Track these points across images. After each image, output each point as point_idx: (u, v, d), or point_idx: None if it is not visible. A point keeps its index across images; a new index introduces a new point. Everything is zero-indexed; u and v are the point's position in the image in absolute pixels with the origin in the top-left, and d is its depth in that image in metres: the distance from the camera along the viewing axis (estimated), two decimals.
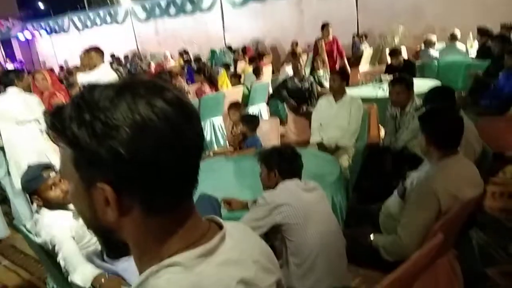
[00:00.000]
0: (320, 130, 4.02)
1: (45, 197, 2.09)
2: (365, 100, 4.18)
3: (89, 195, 0.60)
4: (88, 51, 4.22)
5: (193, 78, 7.65)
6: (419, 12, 8.71)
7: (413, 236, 1.94)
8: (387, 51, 6.98)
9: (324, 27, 6.97)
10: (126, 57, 13.57)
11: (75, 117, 0.57)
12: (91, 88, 0.59)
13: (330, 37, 6.85)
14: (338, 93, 3.97)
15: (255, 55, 9.23)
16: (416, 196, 2.02)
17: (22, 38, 19.12)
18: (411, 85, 3.46)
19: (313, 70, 6.33)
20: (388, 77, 5.17)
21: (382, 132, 4.18)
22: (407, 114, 3.46)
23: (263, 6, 11.40)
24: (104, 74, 4.02)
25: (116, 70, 9.85)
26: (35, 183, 2.08)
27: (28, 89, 3.86)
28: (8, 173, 3.94)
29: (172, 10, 13.28)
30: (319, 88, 5.81)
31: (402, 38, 8.33)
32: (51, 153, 3.71)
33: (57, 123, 0.58)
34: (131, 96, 0.57)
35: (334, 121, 3.92)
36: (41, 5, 24.74)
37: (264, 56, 8.84)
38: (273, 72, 8.31)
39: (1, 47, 19.56)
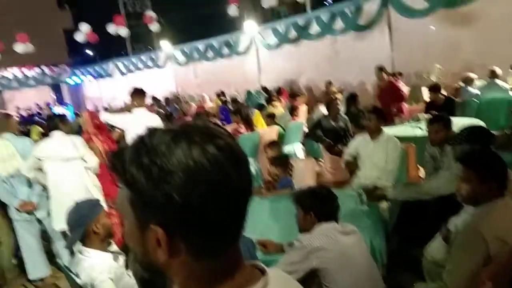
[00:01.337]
0: (357, 169, 3.98)
1: (103, 224, 2.23)
2: (402, 139, 4.10)
3: (142, 235, 0.62)
4: (131, 95, 4.44)
5: (230, 119, 7.81)
6: (456, 50, 8.59)
7: (460, 283, 1.83)
8: (424, 89, 6.86)
9: (378, 71, 6.74)
10: (166, 99, 14.04)
11: (134, 160, 0.60)
12: (151, 132, 0.63)
13: (386, 80, 6.54)
14: (374, 132, 3.95)
15: (289, 95, 9.34)
16: (462, 240, 1.93)
17: (71, 83, 20.51)
18: (449, 124, 3.38)
19: (349, 109, 6.28)
20: (426, 116, 5.07)
21: (422, 172, 4.06)
22: (447, 154, 3.37)
23: (297, 47, 11.62)
24: (132, 118, 4.16)
25: (157, 112, 10.28)
26: (98, 208, 2.25)
27: (71, 132, 4.05)
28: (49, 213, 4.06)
29: (210, 54, 13.83)
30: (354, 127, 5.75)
31: (439, 76, 8.19)
32: (94, 190, 3.84)
33: (118, 164, 0.62)
34: (187, 142, 0.60)
35: (371, 160, 3.87)
36: (89, 52, 26.59)
37: (299, 96, 8.89)
38: (308, 112, 8.35)
39: (52, 91, 21.05)
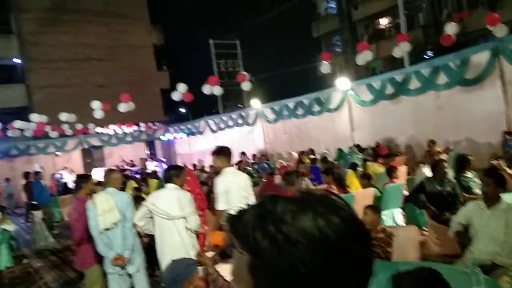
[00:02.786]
0: (470, 242, 3.65)
1: (196, 286, 2.36)
2: None
3: None
4: (214, 155, 4.65)
5: (320, 179, 7.75)
6: None
7: None
8: None
9: None
10: (254, 156, 14.56)
11: (259, 226, 0.65)
12: (274, 200, 0.67)
13: None
14: (491, 198, 3.65)
15: (387, 155, 9.05)
16: None
17: (164, 139, 22.32)
18: None
19: (459, 172, 5.85)
20: None
21: None
22: None
23: (395, 103, 11.39)
24: (225, 179, 4.37)
25: (244, 169, 10.60)
26: (192, 269, 2.43)
27: (182, 185, 4.35)
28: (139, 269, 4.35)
29: (300, 111, 14.19)
30: (464, 193, 5.33)
31: None
32: (191, 250, 4.02)
33: (240, 229, 0.66)
34: (312, 213, 0.64)
35: (486, 231, 3.56)
36: (182, 110, 28.79)
37: (397, 155, 8.58)
38: (408, 173, 7.99)
39: (147, 147, 23.27)
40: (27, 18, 22.26)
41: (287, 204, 0.65)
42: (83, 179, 4.86)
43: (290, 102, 14.69)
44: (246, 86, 14.19)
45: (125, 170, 18.00)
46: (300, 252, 0.61)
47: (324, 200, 0.67)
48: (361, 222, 0.68)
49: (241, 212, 0.68)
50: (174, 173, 4.30)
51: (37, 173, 13.32)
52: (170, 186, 4.22)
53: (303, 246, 0.61)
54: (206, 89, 13.82)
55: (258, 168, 11.58)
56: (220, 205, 4.38)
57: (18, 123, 15.25)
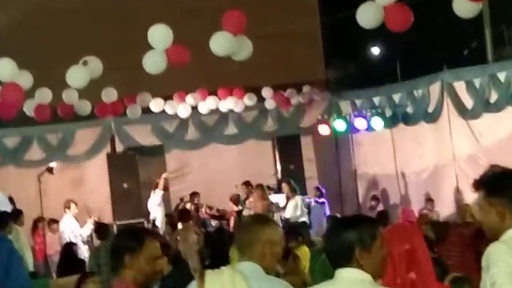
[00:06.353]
0: None
1: None
2: None
3: None
4: (483, 191, 4.66)
5: None
6: None
7: None
8: None
9: None
10: None
11: None
12: None
13: None
14: None
15: None
16: None
17: (325, 133, 20.00)
18: None
19: None
20: None
21: None
22: None
23: None
24: None
25: None
26: None
27: (381, 273, 4.53)
28: None
29: None
30: None
31: None
32: None
33: None
34: None
35: None
36: (375, 54, 27.04)
37: None
38: None
39: (278, 148, 21.05)
40: None
41: None
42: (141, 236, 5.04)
43: None
44: None
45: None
46: None
47: None
48: None
49: None
50: (357, 239, 4.26)
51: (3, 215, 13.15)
52: (346, 274, 4.24)
53: None
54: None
55: None
56: None
57: None
